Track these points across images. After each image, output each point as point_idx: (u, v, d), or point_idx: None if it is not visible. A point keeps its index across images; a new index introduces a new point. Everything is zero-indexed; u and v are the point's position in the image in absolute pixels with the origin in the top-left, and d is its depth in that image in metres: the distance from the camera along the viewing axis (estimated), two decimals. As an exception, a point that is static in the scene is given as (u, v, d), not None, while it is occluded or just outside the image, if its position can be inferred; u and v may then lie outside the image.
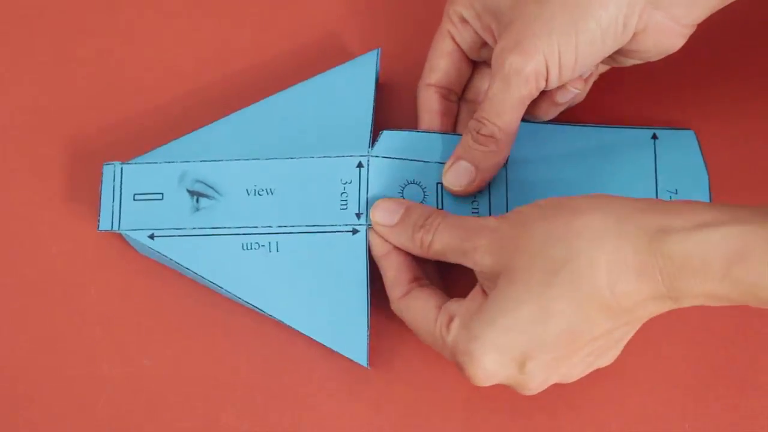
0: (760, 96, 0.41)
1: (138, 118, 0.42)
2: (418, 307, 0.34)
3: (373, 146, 0.37)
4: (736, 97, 0.41)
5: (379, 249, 0.36)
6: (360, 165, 0.36)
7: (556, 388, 0.38)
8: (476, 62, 0.39)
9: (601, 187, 0.37)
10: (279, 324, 0.38)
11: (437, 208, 0.36)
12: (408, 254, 0.36)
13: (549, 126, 0.38)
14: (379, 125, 0.39)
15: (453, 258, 0.33)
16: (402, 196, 0.36)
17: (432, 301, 0.34)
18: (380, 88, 0.41)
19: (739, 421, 0.38)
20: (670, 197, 0.37)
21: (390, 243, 0.35)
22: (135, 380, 0.39)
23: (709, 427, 0.38)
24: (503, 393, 0.38)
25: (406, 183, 0.36)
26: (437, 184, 0.36)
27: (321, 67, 0.40)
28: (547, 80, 0.34)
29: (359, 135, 0.36)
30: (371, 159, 0.36)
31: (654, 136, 0.38)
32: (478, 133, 0.35)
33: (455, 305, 0.33)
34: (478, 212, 0.36)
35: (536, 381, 0.32)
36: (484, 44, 0.37)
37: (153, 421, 0.39)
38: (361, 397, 0.39)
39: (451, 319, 0.32)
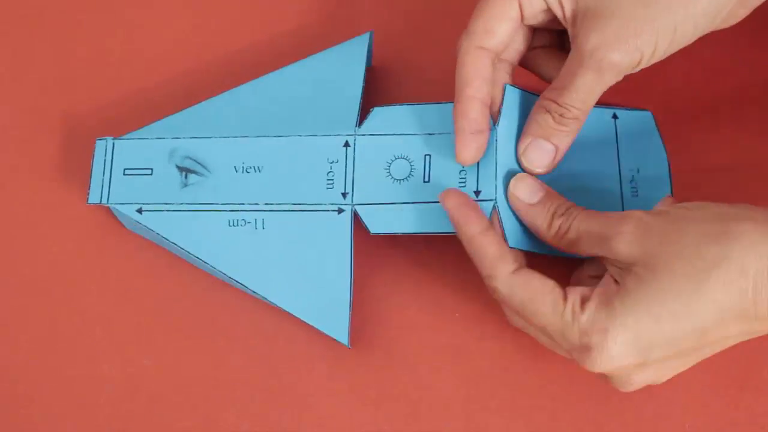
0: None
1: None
2: (536, 285, 0.33)
3: (361, 124, 0.37)
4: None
5: (479, 225, 0.34)
6: (347, 144, 0.36)
7: (556, 387, 0.38)
8: None
9: (567, 164, 0.36)
10: (279, 323, 0.38)
11: (424, 180, 0.36)
12: None
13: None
14: (370, 107, 0.38)
15: (586, 246, 0.33)
16: (389, 172, 0.36)
17: (551, 281, 0.33)
18: (373, 71, 0.41)
19: (739, 420, 0.38)
20: (632, 176, 0.37)
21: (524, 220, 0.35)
22: (135, 380, 0.39)
23: (709, 427, 0.38)
24: (503, 393, 0.38)
25: (393, 158, 0.36)
26: (425, 155, 0.36)
27: (315, 50, 0.40)
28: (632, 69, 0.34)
29: (347, 114, 0.37)
30: (358, 138, 0.36)
31: (614, 116, 0.38)
32: (562, 116, 0.34)
33: (585, 289, 0.33)
34: (465, 183, 0.36)
35: (643, 377, 0.32)
36: (550, 18, 0.36)
37: (153, 421, 0.39)
38: (361, 397, 0.39)
39: (585, 300, 0.32)
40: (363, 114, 0.37)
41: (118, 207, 0.37)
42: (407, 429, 0.38)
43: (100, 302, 0.40)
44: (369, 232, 0.36)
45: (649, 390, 0.34)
